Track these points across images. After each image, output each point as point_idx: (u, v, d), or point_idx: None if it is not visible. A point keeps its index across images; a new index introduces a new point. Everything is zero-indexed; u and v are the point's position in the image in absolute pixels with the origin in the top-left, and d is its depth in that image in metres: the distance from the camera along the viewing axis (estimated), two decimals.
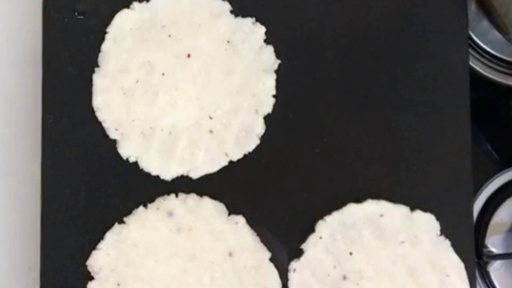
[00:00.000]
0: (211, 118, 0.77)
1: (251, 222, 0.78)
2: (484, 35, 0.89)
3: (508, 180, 0.89)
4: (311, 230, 0.78)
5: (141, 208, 0.77)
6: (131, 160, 0.77)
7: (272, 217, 0.78)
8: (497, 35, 0.86)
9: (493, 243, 0.88)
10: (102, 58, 0.77)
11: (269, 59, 0.78)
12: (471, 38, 0.88)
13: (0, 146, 0.84)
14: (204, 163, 0.77)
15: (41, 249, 0.76)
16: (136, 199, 0.77)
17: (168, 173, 0.77)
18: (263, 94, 0.78)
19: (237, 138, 0.78)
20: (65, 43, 0.77)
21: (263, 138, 0.78)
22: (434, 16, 0.80)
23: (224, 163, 0.78)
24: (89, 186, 0.77)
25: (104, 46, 0.77)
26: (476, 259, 0.83)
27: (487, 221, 0.88)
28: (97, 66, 0.77)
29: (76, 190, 0.77)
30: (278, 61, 0.78)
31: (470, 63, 0.87)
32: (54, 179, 0.77)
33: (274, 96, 0.78)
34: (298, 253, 0.78)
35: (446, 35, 0.81)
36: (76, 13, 0.78)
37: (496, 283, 0.87)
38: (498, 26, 0.81)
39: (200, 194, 0.78)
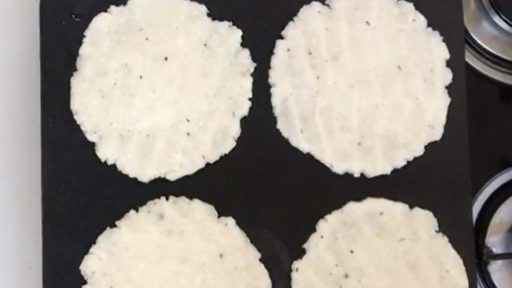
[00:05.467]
0: (188, 120, 0.77)
1: (252, 224, 0.77)
2: (484, 35, 0.90)
3: (508, 180, 0.89)
4: (313, 229, 0.77)
5: (132, 211, 0.76)
6: (109, 162, 0.77)
7: (273, 218, 0.77)
8: (497, 35, 0.87)
9: (493, 243, 0.86)
10: (80, 61, 0.78)
11: (245, 62, 0.79)
12: (471, 38, 0.89)
13: (1, 148, 0.85)
14: (181, 165, 0.77)
15: (43, 254, 0.76)
16: (135, 202, 0.77)
17: (145, 176, 0.77)
18: (239, 97, 0.78)
19: (214, 140, 0.77)
20: (63, 46, 0.78)
21: (239, 140, 0.78)
22: (430, 13, 0.81)
23: (201, 165, 0.77)
24: (89, 189, 0.77)
25: (82, 50, 0.78)
26: (476, 258, 0.81)
27: (487, 221, 0.87)
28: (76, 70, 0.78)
29: (76, 193, 0.77)
30: (254, 64, 0.79)
31: (471, 62, 0.88)
32: (54, 182, 0.77)
33: (250, 99, 0.78)
34: (300, 253, 0.77)
35: (441, 32, 0.81)
36: (73, 16, 0.79)
37: (496, 283, 0.85)
38: None
39: (191, 196, 0.77)
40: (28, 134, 0.82)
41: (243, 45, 0.79)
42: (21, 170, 0.84)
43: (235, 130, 0.77)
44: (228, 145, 0.77)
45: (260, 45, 0.79)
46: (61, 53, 0.78)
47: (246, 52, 0.79)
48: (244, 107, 0.78)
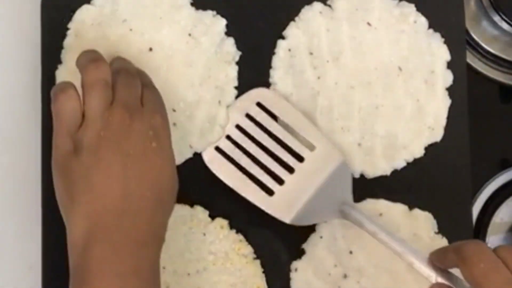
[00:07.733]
0: (174, 110, 0.77)
1: (251, 223, 0.77)
2: (484, 35, 0.90)
3: (508, 180, 0.88)
4: (312, 229, 0.77)
5: None
6: None
7: (273, 218, 0.76)
8: (497, 35, 0.87)
9: (493, 243, 0.86)
10: (64, 54, 0.77)
11: (230, 51, 0.78)
12: (471, 38, 0.88)
13: (1, 147, 0.84)
14: None
15: (43, 254, 0.76)
16: None
17: None
18: (225, 85, 0.78)
19: (201, 129, 0.77)
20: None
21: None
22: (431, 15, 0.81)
23: (189, 155, 0.77)
24: None
25: (66, 42, 0.77)
26: None
27: (487, 221, 0.86)
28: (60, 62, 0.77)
29: None
30: (239, 53, 0.79)
31: (471, 63, 0.88)
32: None
33: (236, 87, 0.78)
34: (300, 253, 0.77)
35: (443, 34, 0.81)
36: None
37: None
38: None
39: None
40: (28, 133, 0.81)
41: (227, 34, 0.79)
42: (21, 170, 0.83)
43: (222, 118, 0.77)
44: (216, 134, 0.77)
45: (261, 45, 0.79)
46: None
47: (230, 41, 0.78)
48: (230, 96, 0.78)
